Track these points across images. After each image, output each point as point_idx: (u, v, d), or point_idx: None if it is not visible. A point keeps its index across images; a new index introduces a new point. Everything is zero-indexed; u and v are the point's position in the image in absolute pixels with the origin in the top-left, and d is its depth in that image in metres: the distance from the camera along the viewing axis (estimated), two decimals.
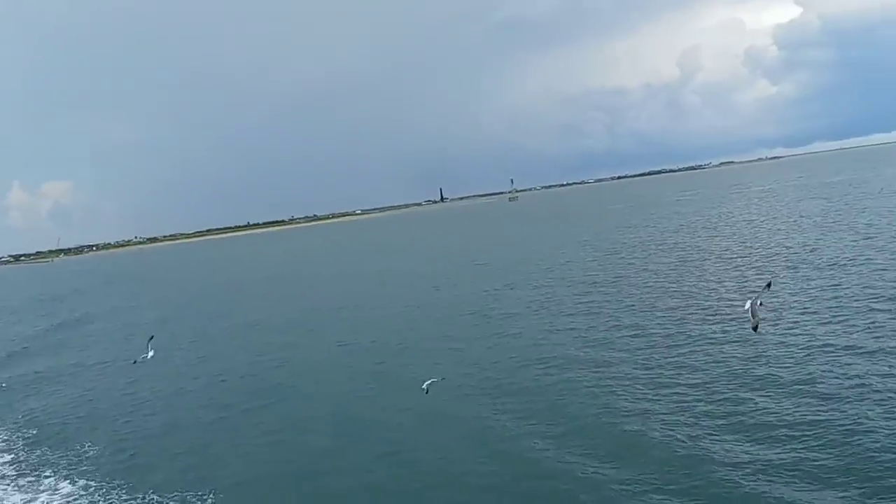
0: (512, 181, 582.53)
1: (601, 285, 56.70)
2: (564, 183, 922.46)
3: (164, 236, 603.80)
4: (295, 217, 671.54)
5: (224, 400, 37.01)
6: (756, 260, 58.92)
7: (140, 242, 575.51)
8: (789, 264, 53.80)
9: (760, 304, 21.44)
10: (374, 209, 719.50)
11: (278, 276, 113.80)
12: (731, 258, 61.96)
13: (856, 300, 38.78)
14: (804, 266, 51.84)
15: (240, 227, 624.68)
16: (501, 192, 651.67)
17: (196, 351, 52.67)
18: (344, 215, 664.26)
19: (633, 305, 46.76)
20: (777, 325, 35.96)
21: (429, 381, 26.69)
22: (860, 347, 30.41)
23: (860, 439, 21.63)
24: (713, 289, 48.97)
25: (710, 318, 40.10)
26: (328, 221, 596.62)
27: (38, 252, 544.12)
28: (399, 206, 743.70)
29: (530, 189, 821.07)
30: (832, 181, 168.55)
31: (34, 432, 35.67)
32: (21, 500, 26.35)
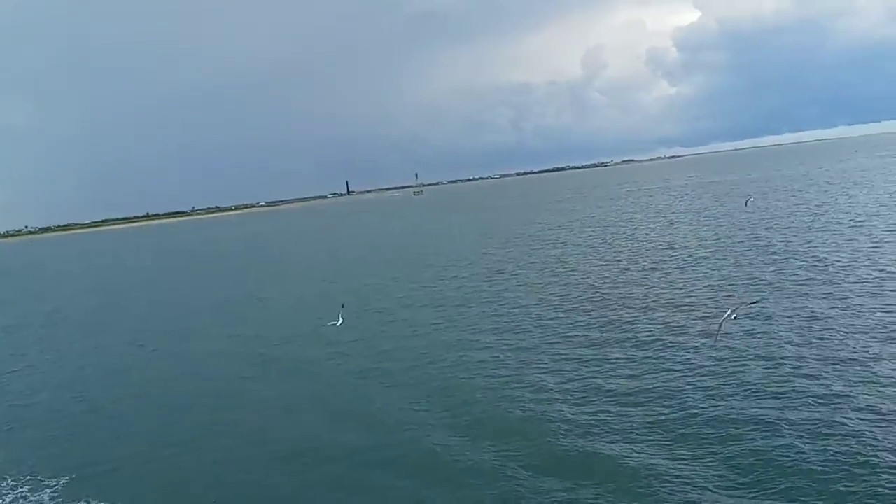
0: (416, 175, 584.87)
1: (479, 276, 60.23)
2: (470, 178, 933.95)
3: (58, 226, 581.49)
4: (196, 209, 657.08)
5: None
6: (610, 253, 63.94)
7: (31, 232, 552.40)
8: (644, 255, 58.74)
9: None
10: (280, 201, 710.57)
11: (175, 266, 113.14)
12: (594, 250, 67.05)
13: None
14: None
15: (140, 217, 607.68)
16: (408, 186, 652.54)
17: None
18: (248, 207, 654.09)
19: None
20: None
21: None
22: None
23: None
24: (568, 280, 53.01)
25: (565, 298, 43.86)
26: (231, 213, 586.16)
27: None
28: (305, 199, 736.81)
29: (437, 183, 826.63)
30: (717, 181, 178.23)
31: None
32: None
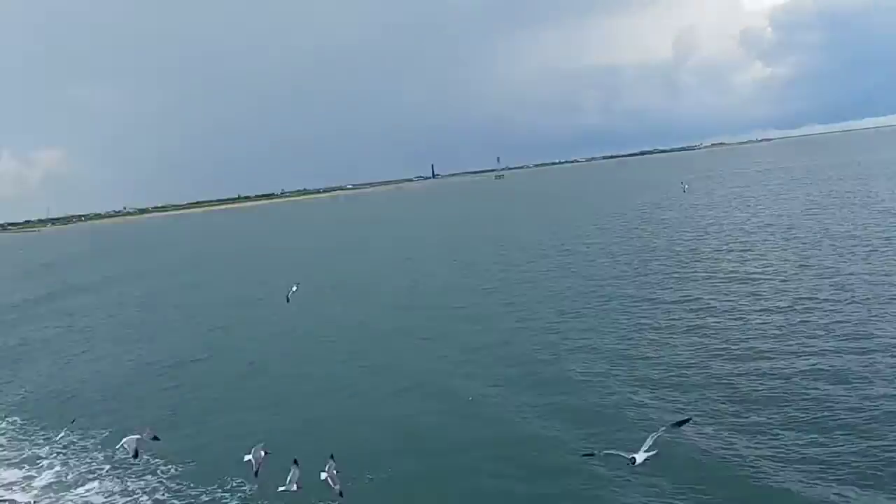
0: (498, 159, 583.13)
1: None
2: (556, 161, 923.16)
3: (155, 207, 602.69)
4: (285, 191, 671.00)
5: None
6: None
7: (130, 213, 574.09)
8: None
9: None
10: (367, 184, 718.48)
11: (270, 247, 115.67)
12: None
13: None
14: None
15: (231, 199, 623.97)
16: (491, 170, 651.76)
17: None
18: (336, 190, 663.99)
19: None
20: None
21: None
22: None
23: None
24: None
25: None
26: (318, 196, 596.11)
27: (27, 221, 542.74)
28: (391, 182, 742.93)
29: (522, 167, 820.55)
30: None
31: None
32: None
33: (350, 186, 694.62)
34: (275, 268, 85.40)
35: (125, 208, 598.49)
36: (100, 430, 31.18)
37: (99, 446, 29.37)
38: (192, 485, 24.43)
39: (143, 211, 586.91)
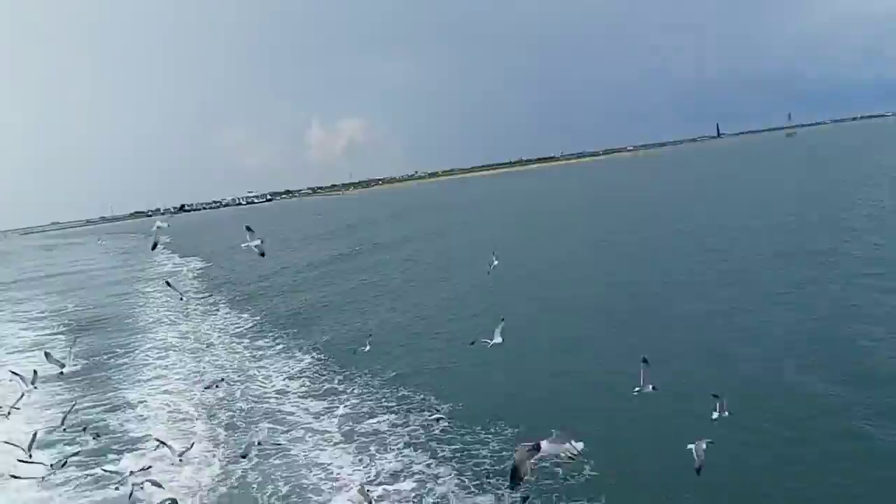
0: (789, 116, 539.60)
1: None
2: (859, 116, 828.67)
3: (443, 171, 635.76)
4: (564, 153, 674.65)
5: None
6: None
7: (421, 177, 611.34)
8: None
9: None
10: (647, 145, 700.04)
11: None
12: None
13: None
14: None
15: (512, 163, 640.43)
16: (780, 128, 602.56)
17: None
18: (614, 152, 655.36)
19: None
20: None
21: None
22: None
23: None
24: None
25: None
26: (598, 158, 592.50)
27: (332, 185, 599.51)
28: (672, 143, 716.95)
29: (818, 123, 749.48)
30: None
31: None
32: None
33: (631, 148, 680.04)
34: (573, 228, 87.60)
35: (416, 172, 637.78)
36: (388, 371, 35.85)
37: (386, 384, 33.93)
38: (462, 427, 27.36)
39: (432, 175, 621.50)
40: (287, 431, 29.35)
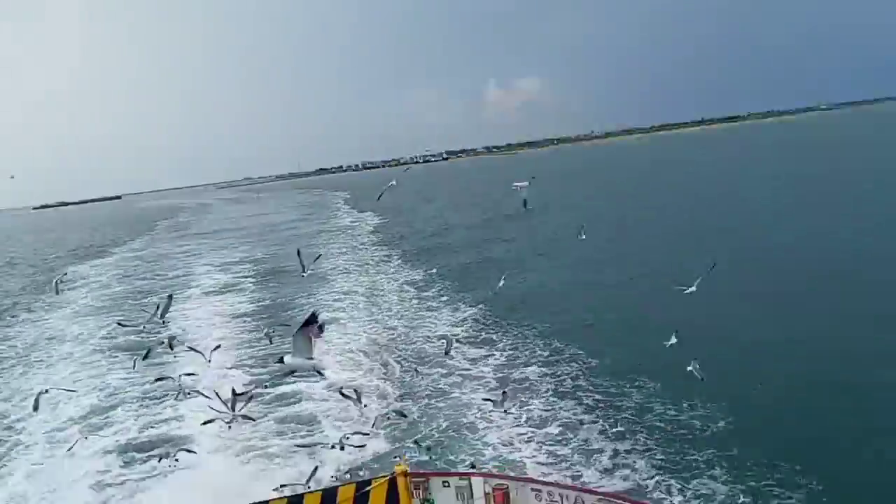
0: None
1: None
2: None
3: (621, 130, 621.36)
4: (751, 112, 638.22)
5: None
6: None
7: (597, 137, 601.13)
8: None
9: None
10: (842, 104, 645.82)
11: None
12: None
13: None
14: None
15: (693, 122, 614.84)
16: None
17: None
18: (807, 110, 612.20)
19: None
20: None
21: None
22: None
23: None
24: None
25: None
26: (788, 118, 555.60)
27: (508, 145, 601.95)
28: (872, 101, 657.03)
29: None
30: None
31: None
32: None
33: (824, 106, 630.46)
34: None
35: (592, 132, 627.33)
36: (543, 324, 37.96)
37: (539, 336, 36.29)
38: (607, 379, 28.94)
39: (609, 134, 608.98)
40: (447, 375, 31.91)
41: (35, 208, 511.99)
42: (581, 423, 25.56)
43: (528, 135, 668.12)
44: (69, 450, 25.71)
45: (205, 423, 24.00)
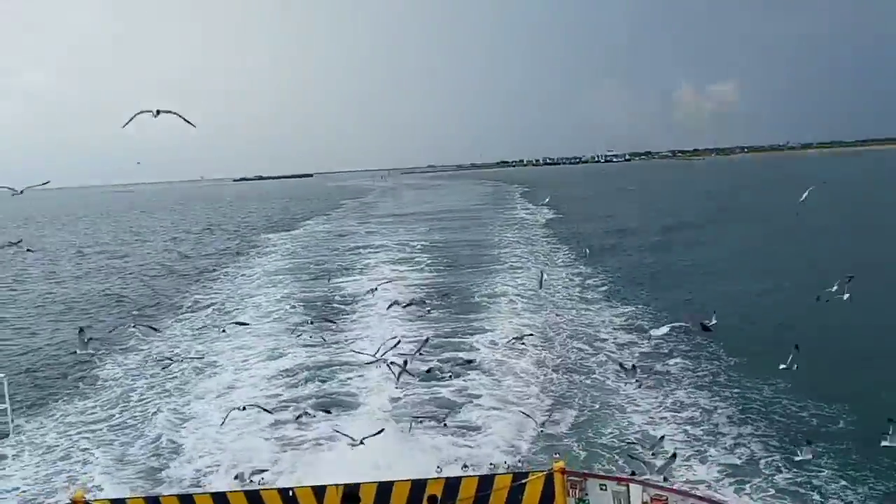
0: None
1: None
2: None
3: (819, 143, 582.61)
4: None
5: None
6: None
7: (791, 148, 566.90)
8: None
9: None
10: None
11: None
12: None
13: None
14: None
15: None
16: None
17: None
18: None
19: None
20: None
21: None
22: None
23: None
24: None
25: None
26: None
27: (694, 150, 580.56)
28: None
29: None
30: None
31: None
32: None
33: None
34: None
35: (788, 143, 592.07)
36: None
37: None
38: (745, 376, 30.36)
39: (805, 146, 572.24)
40: (595, 355, 34.88)
41: (235, 180, 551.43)
42: (714, 409, 27.34)
43: (715, 141, 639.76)
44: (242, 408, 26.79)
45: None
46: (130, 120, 19.67)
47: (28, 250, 55.46)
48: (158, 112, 19.34)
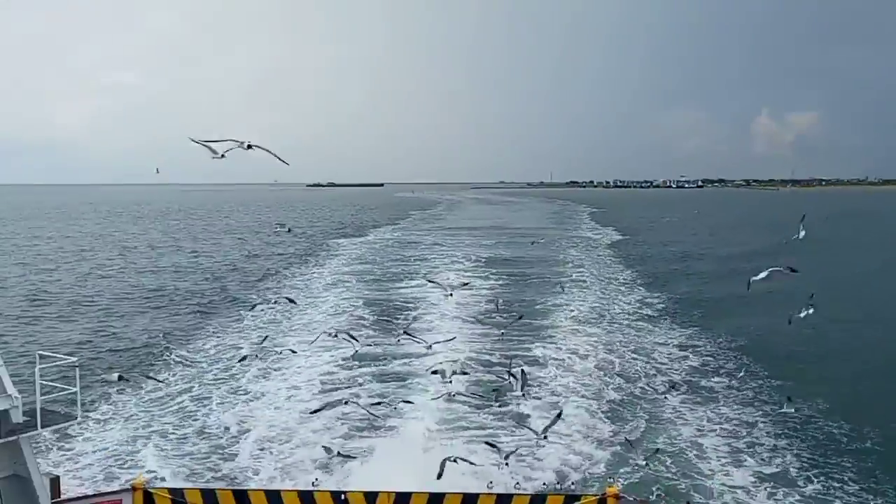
0: None
1: None
2: None
3: None
4: None
5: None
6: None
7: (872, 183, 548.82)
8: None
9: None
10: None
11: None
12: None
13: None
14: None
15: None
16: None
17: None
18: None
19: None
20: None
21: None
22: None
23: None
24: None
25: None
26: None
27: (770, 180, 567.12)
28: None
29: None
30: None
31: None
32: None
33: None
34: None
35: (867, 178, 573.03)
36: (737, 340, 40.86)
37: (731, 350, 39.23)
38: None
39: (887, 182, 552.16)
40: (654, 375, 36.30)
41: (308, 186, 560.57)
42: (752, 424, 29.24)
43: (792, 172, 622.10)
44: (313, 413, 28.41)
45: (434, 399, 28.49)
46: (226, 151, 19.35)
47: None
48: (250, 146, 19.26)
